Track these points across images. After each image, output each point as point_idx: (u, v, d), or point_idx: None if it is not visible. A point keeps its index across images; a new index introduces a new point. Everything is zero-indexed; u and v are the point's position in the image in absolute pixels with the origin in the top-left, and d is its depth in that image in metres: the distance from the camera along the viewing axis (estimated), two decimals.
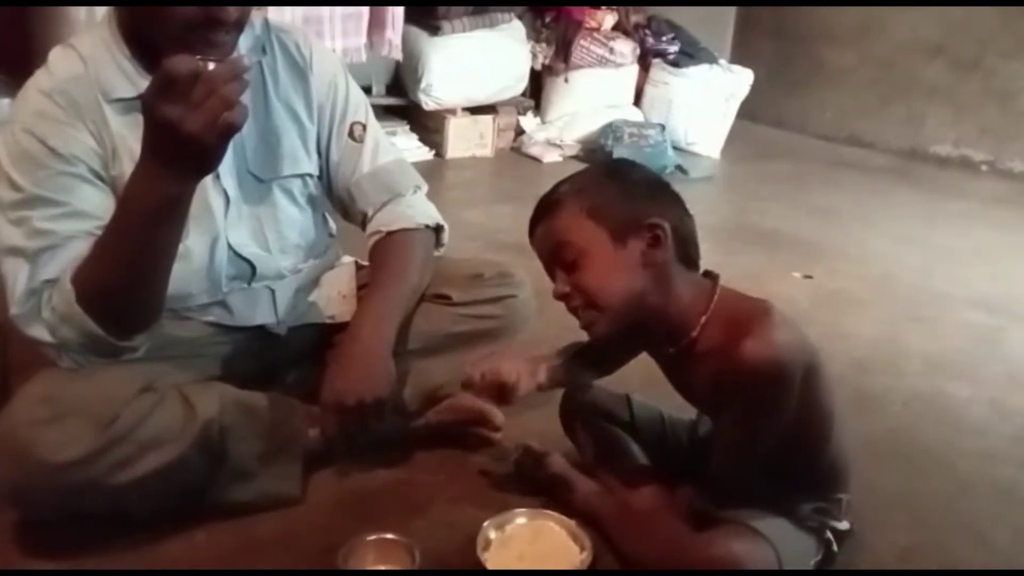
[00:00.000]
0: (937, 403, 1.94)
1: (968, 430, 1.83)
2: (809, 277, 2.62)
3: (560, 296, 1.22)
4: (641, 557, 1.28)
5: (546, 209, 1.24)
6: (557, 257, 1.22)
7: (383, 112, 3.72)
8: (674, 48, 4.14)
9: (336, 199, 1.56)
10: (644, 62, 4.18)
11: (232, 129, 1.02)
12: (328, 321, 1.56)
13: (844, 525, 1.27)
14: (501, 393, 1.35)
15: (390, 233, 1.50)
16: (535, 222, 1.26)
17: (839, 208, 3.38)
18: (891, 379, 2.03)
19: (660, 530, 1.29)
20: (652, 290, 1.20)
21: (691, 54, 4.12)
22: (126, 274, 1.15)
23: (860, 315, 2.39)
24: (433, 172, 3.56)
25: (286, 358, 1.56)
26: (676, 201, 1.24)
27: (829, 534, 1.26)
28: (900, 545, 1.43)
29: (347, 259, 1.66)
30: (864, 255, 2.88)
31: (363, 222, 1.55)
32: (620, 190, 1.21)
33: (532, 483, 1.47)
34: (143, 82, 1.21)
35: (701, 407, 1.33)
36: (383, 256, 1.50)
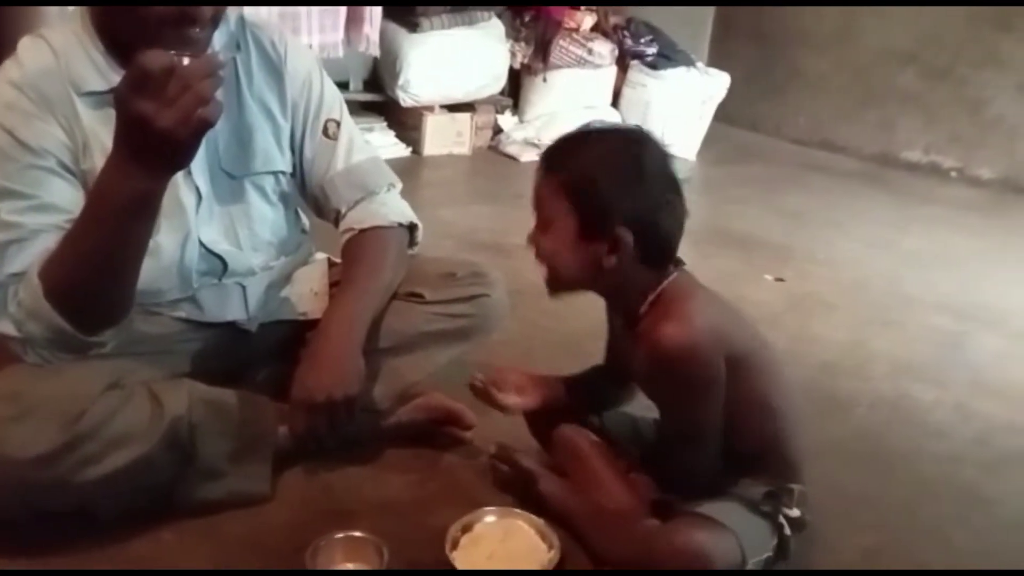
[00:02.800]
0: (902, 406, 1.97)
1: (932, 433, 1.86)
2: (781, 280, 2.65)
3: (528, 243, 1.30)
4: (611, 555, 1.30)
5: (547, 159, 1.29)
6: (535, 205, 1.28)
7: (360, 108, 3.70)
8: (652, 50, 4.16)
9: (309, 196, 1.56)
10: (622, 63, 4.20)
11: (206, 125, 1.01)
12: (300, 318, 1.56)
13: (795, 512, 1.30)
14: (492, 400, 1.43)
15: (363, 231, 1.50)
16: (540, 161, 1.30)
17: (811, 212, 3.41)
18: (858, 382, 2.06)
19: (628, 527, 1.31)
20: (604, 277, 1.26)
21: (669, 56, 4.14)
22: (95, 269, 1.14)
23: (829, 318, 2.42)
24: (410, 169, 3.55)
25: (257, 355, 1.55)
26: (665, 196, 1.24)
27: (782, 519, 1.28)
28: (863, 546, 1.45)
29: (320, 256, 1.66)
30: (834, 259, 2.91)
31: (336, 220, 1.54)
32: (613, 178, 1.22)
33: (503, 482, 1.48)
34: (115, 77, 1.20)
35: (645, 391, 1.38)
36: (355, 254, 1.49)
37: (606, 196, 1.21)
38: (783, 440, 1.32)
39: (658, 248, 1.26)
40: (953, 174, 4.05)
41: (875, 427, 1.87)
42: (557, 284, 1.30)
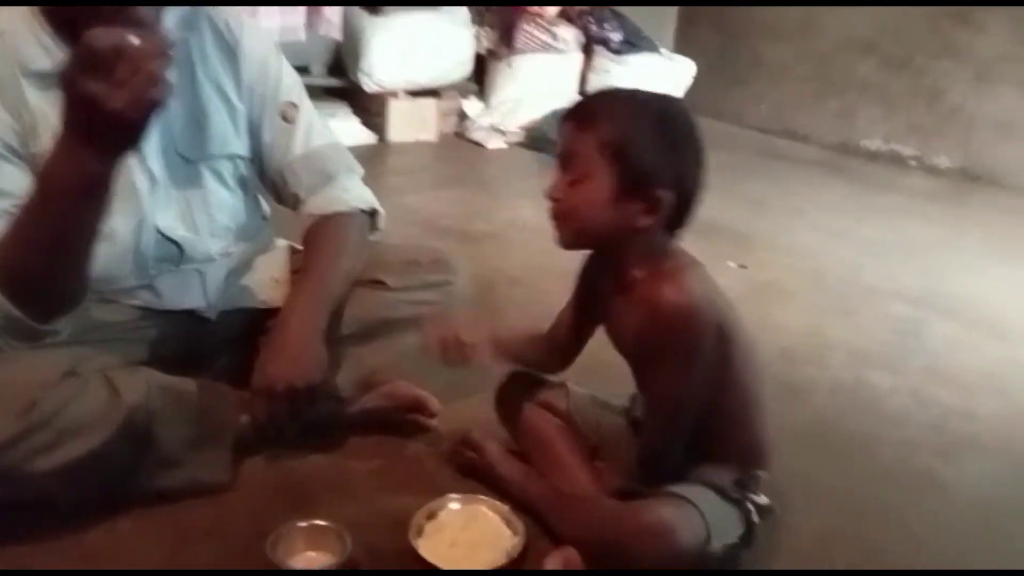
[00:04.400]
0: (860, 393, 2.00)
1: (889, 419, 1.89)
2: (744, 267, 2.68)
3: (550, 196, 1.26)
4: (576, 537, 1.29)
5: (583, 115, 1.25)
6: (566, 159, 1.24)
7: (323, 94, 3.66)
8: (617, 36, 4.17)
9: (269, 181, 1.54)
10: (587, 50, 4.20)
11: (156, 106, 0.98)
12: (260, 306, 1.54)
13: (764, 500, 1.31)
14: (460, 353, 1.39)
15: (324, 217, 1.49)
16: (571, 116, 1.26)
17: (773, 200, 3.45)
18: (817, 369, 2.09)
19: (594, 510, 1.31)
20: (625, 237, 1.24)
21: (633, 43, 4.15)
22: (46, 256, 1.11)
23: (789, 306, 2.45)
24: (375, 156, 3.53)
25: (217, 343, 1.53)
26: (698, 165, 1.25)
27: (750, 506, 1.29)
28: (821, 530, 1.47)
29: (281, 243, 1.64)
30: (795, 247, 2.95)
31: (296, 205, 1.53)
32: (653, 141, 1.21)
33: (467, 470, 1.48)
34: (63, 56, 1.17)
35: (632, 362, 1.35)
36: (316, 240, 1.48)
37: (650, 158, 1.20)
38: (753, 425, 1.33)
39: (685, 214, 1.26)
40: (912, 163, 4.12)
41: (833, 413, 1.89)
42: (577, 239, 1.27)
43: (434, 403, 1.58)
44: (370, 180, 1.60)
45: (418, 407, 1.58)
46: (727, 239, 2.90)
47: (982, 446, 1.81)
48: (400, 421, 1.59)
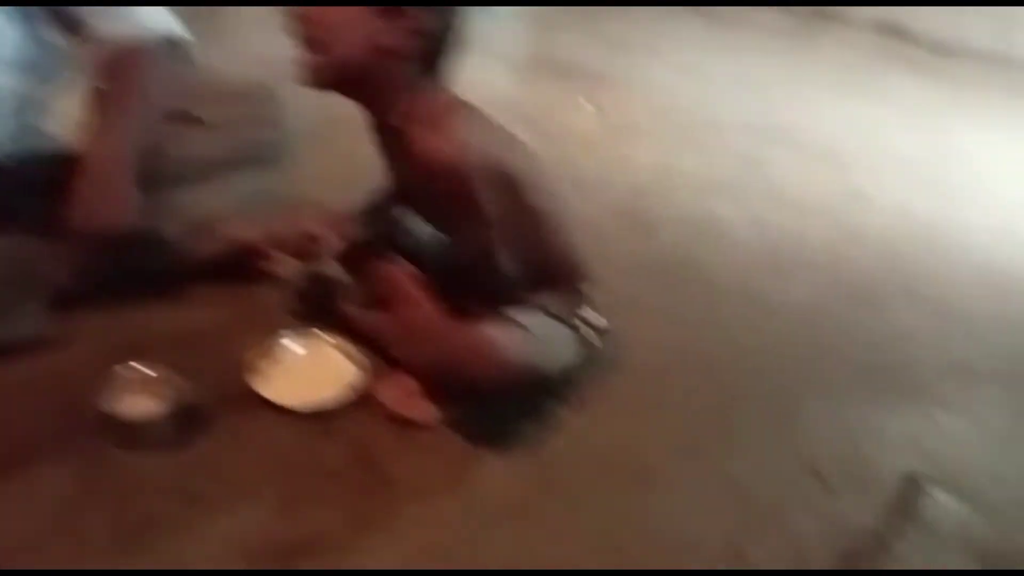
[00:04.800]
0: (704, 224, 2.06)
1: (730, 246, 1.97)
2: (597, 107, 2.67)
3: (297, 26, 1.18)
4: (414, 362, 1.30)
5: None
6: None
7: None
8: None
9: (51, 6, 1.36)
10: None
11: None
12: (62, 151, 1.40)
13: (601, 321, 1.35)
14: (308, 250, 1.36)
15: (122, 47, 1.34)
16: None
17: (631, 39, 3.41)
18: (665, 204, 2.14)
19: (428, 333, 1.30)
20: (383, 65, 1.19)
21: None
22: None
23: (642, 144, 2.47)
24: None
25: (19, 193, 1.38)
26: (452, 7, 1.20)
27: (585, 327, 1.33)
28: (659, 346, 1.55)
29: (81, 81, 1.48)
30: (649, 85, 2.95)
31: (86, 33, 1.36)
32: None
33: (307, 307, 1.45)
34: None
35: (424, 211, 1.35)
36: (114, 72, 1.34)
37: None
38: (566, 250, 1.35)
39: (440, 47, 1.21)
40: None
41: (679, 245, 1.95)
42: (326, 68, 1.18)
43: (271, 245, 1.51)
44: (201, 16, 1.46)
45: (256, 251, 1.51)
46: (584, 79, 2.87)
47: (811, 267, 1.92)
48: (237, 266, 1.52)
